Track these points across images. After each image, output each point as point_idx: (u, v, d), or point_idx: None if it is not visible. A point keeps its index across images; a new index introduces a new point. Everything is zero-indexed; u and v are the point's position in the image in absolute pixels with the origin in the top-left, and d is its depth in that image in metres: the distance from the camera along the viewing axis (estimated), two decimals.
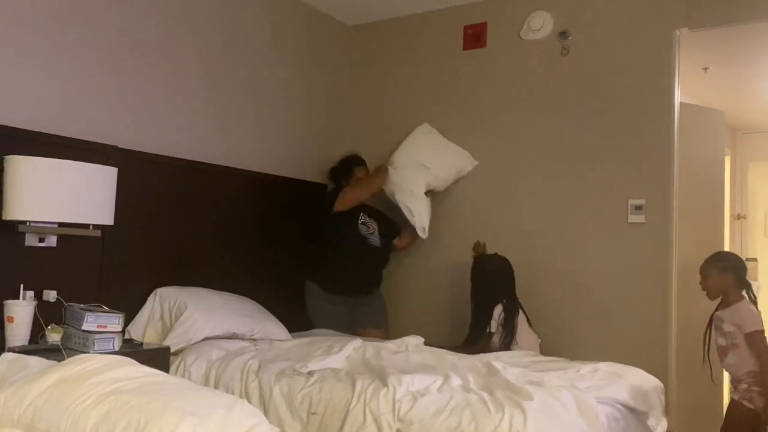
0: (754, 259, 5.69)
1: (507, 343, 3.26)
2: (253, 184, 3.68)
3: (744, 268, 3.02)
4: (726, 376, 3.34)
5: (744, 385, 2.85)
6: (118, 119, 3.05)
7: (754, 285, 5.46)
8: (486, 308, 3.37)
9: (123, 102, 3.07)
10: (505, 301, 3.37)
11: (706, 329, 3.09)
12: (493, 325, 3.31)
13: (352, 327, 3.72)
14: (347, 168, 3.91)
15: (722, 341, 2.97)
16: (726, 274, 2.96)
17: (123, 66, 3.07)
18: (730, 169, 5.60)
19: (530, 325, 3.41)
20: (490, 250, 3.70)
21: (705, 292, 3.03)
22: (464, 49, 4.03)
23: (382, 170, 3.80)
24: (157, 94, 3.23)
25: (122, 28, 3.06)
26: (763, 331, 2.87)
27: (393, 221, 3.95)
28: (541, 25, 3.74)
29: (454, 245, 3.93)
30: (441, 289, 3.96)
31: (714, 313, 3.03)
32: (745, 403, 2.83)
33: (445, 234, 3.96)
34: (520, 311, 3.38)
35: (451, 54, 4.08)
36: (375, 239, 3.81)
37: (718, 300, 3.03)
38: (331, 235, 3.76)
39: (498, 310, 3.33)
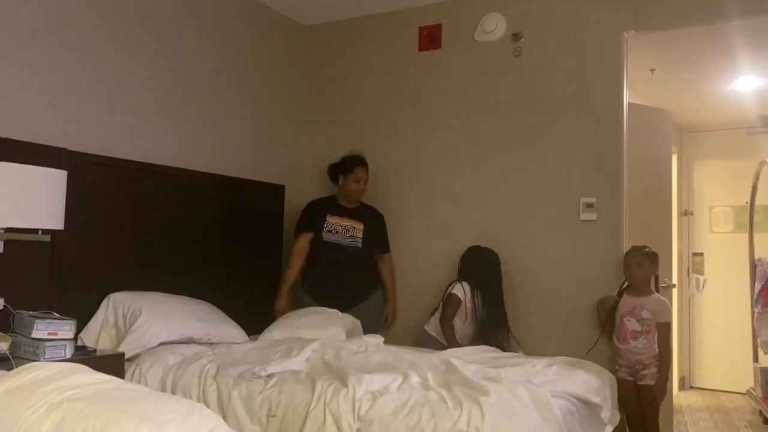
0: (701, 254, 5.89)
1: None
2: (208, 186, 3.64)
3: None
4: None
5: (654, 369, 3.13)
6: (68, 121, 2.98)
7: (701, 279, 5.67)
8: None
9: (72, 103, 3.00)
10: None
11: (611, 314, 3.25)
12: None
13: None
14: (349, 165, 3.78)
15: (636, 326, 3.17)
16: (655, 266, 3.24)
17: (71, 66, 2.99)
18: (677, 167, 5.78)
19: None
20: (445, 249, 3.74)
21: (629, 280, 3.21)
22: (420, 50, 4.07)
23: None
24: (107, 95, 3.16)
25: (70, 26, 2.99)
26: (671, 323, 3.20)
27: (384, 234, 3.92)
28: (494, 27, 3.81)
29: (412, 246, 3.97)
30: (410, 287, 3.98)
31: (621, 300, 3.23)
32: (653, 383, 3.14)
33: (402, 234, 3.98)
34: None
35: (407, 55, 4.11)
36: (353, 241, 3.74)
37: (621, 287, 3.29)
38: (310, 246, 3.77)
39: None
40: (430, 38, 4.03)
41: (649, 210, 3.98)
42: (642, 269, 3.18)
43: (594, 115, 3.53)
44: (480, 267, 3.52)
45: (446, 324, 3.43)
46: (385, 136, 4.15)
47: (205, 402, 2.50)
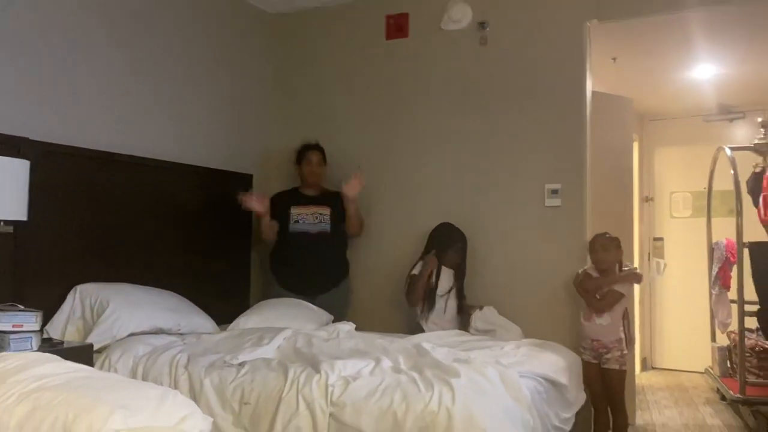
0: (661, 239, 6.05)
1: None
2: (174, 176, 3.60)
3: None
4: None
5: (617, 353, 3.20)
6: (28, 109, 2.91)
7: (661, 263, 5.83)
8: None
9: (33, 91, 2.93)
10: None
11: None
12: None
13: None
14: (301, 152, 3.90)
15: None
16: (619, 250, 3.32)
17: (32, 52, 2.92)
18: (638, 154, 5.92)
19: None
20: (412, 235, 3.78)
21: (597, 264, 3.29)
22: (387, 38, 4.07)
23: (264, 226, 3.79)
24: (70, 83, 3.09)
25: (29, 10, 2.91)
26: (624, 296, 3.27)
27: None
28: (460, 15, 3.83)
29: (379, 231, 4.00)
30: (380, 279, 4.00)
31: (586, 281, 3.30)
32: (622, 367, 3.22)
33: (369, 220, 4.00)
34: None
35: (374, 44, 4.11)
36: (321, 226, 3.77)
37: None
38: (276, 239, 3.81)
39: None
40: (397, 27, 4.04)
41: (612, 196, 4.07)
42: (609, 252, 3.26)
43: (558, 102, 3.59)
44: (445, 243, 3.57)
45: (411, 301, 3.53)
46: (353, 124, 4.15)
47: None
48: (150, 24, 3.53)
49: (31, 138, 2.81)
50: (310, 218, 3.77)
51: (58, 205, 2.97)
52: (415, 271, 3.54)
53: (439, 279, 3.51)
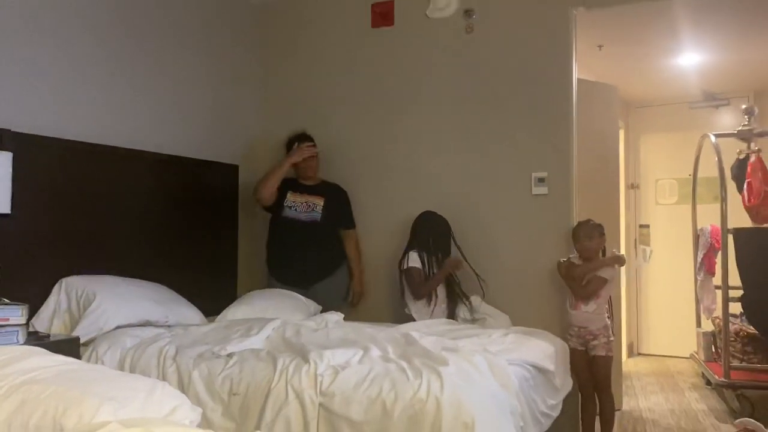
0: (647, 226, 6.10)
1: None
2: (160, 167, 3.57)
3: None
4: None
5: (603, 339, 3.24)
6: (10, 101, 2.87)
7: (647, 249, 5.87)
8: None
9: (14, 82, 2.89)
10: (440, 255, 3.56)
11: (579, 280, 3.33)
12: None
13: None
14: (290, 144, 3.87)
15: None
16: (603, 237, 3.35)
17: (13, 42, 2.88)
18: (624, 142, 5.95)
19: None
20: (400, 224, 3.78)
21: (581, 252, 3.32)
22: (372, 27, 4.06)
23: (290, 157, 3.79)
24: (53, 73, 3.05)
25: (11, 1, 2.87)
26: (607, 281, 3.29)
27: (347, 209, 3.92)
28: (446, 3, 3.82)
29: (365, 220, 3.99)
30: (368, 269, 3.99)
31: (571, 269, 3.33)
32: (608, 354, 3.25)
33: (356, 209, 3.99)
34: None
35: (360, 32, 4.10)
36: (311, 215, 3.76)
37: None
38: (270, 224, 3.85)
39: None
40: (382, 15, 4.02)
41: (598, 184, 4.10)
42: (593, 240, 3.29)
43: (544, 90, 3.60)
44: (430, 231, 3.57)
45: (422, 295, 3.47)
46: (339, 113, 4.14)
47: None
48: (134, 15, 3.49)
49: (13, 130, 2.77)
50: (302, 207, 3.77)
51: (42, 197, 2.94)
52: (413, 264, 3.48)
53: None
